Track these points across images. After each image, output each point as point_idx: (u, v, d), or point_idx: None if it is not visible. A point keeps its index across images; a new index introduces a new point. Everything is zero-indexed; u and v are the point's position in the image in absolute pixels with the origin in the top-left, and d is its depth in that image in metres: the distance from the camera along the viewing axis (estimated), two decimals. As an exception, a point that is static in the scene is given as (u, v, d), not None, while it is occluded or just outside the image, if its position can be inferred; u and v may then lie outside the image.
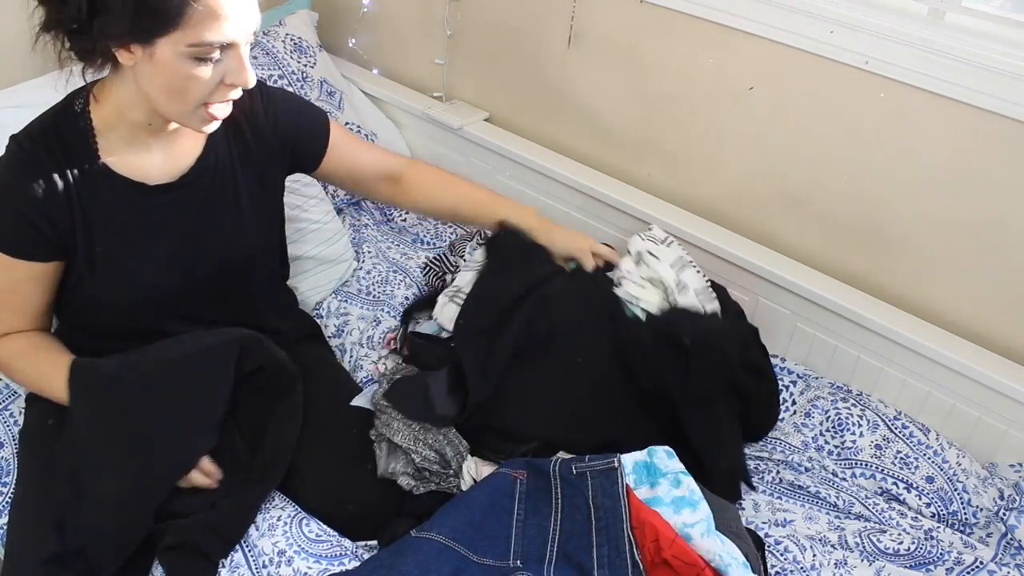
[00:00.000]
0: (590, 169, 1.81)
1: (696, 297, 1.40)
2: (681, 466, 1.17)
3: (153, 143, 1.13)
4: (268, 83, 1.34)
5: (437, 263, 1.69)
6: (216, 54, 0.99)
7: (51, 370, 1.14)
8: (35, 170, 1.07)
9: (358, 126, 1.96)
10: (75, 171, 1.09)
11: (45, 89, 1.56)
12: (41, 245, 1.10)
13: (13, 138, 1.10)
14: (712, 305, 1.42)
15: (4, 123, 1.49)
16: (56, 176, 1.08)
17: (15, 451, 1.29)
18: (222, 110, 1.06)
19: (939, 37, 1.33)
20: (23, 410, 1.33)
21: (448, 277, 1.62)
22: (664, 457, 1.17)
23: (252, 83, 1.04)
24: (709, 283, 1.47)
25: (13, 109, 1.53)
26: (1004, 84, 1.28)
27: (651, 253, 1.42)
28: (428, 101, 2.03)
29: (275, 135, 1.24)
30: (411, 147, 2.08)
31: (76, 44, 1.01)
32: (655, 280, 1.40)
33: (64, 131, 1.09)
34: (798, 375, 1.57)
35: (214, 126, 1.09)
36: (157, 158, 1.14)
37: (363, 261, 1.73)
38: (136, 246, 1.14)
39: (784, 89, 1.52)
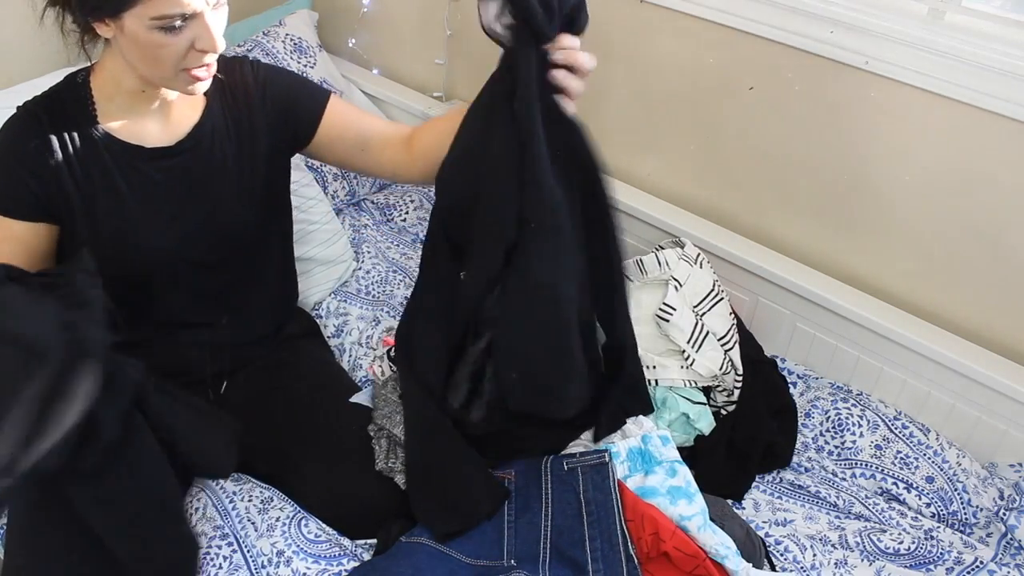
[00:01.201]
0: (590, 169, 1.81)
1: (715, 354, 1.36)
2: (676, 454, 1.17)
3: (149, 111, 1.16)
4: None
5: (437, 263, 1.69)
6: (180, 23, 1.01)
7: None
8: (31, 129, 1.10)
9: (358, 126, 1.96)
10: (74, 135, 1.12)
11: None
12: (28, 204, 1.11)
13: (19, 105, 1.14)
14: (734, 351, 1.41)
15: (4, 123, 1.49)
16: (53, 137, 1.10)
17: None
18: (203, 72, 1.08)
19: (939, 37, 1.33)
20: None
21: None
22: (659, 444, 1.17)
23: (220, 47, 1.05)
24: (733, 318, 1.46)
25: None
26: (1004, 84, 1.28)
27: (677, 280, 1.39)
28: (428, 101, 2.03)
29: (265, 102, 1.24)
30: (411, 147, 2.08)
31: (73, 18, 1.06)
32: (672, 348, 1.37)
33: (65, 98, 1.13)
34: (798, 375, 1.57)
35: (203, 86, 1.10)
36: (154, 125, 1.17)
37: (362, 261, 1.73)
38: (136, 210, 1.16)
39: (784, 89, 1.52)
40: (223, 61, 1.24)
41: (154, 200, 1.17)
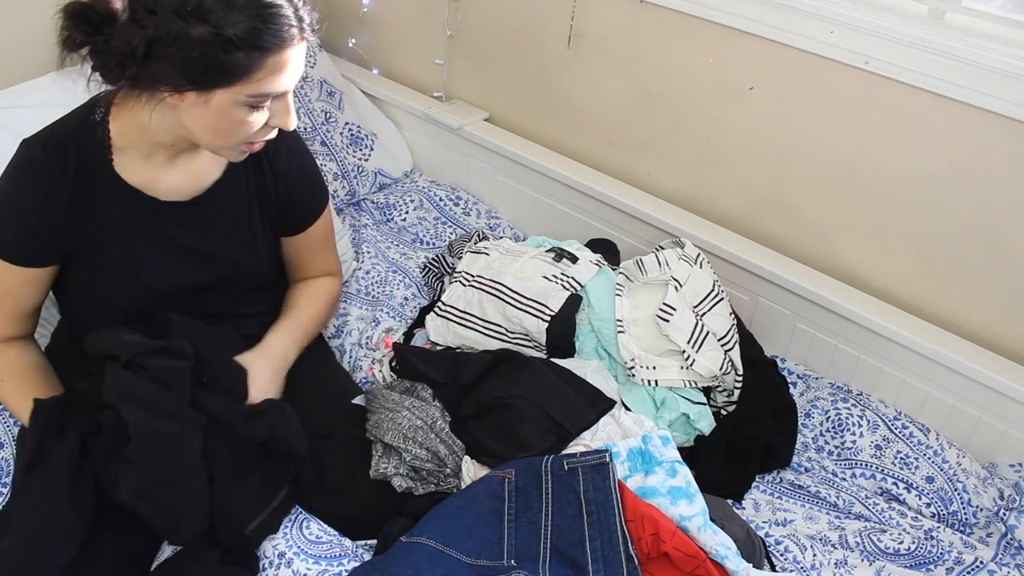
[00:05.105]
0: (590, 169, 1.81)
1: (715, 355, 1.36)
2: (677, 455, 1.17)
3: (172, 162, 1.14)
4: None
5: (436, 264, 1.69)
6: (269, 101, 1.03)
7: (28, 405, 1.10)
8: (44, 180, 1.08)
9: (358, 126, 1.96)
10: (88, 182, 1.10)
11: (45, 89, 1.57)
12: (42, 253, 1.11)
13: (25, 142, 1.10)
14: (734, 351, 1.41)
15: (4, 123, 1.49)
16: (66, 188, 1.08)
17: (15, 452, 1.29)
18: (259, 145, 1.10)
19: (939, 37, 1.33)
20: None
21: (446, 279, 1.62)
22: (659, 444, 1.17)
23: (294, 126, 1.08)
24: (734, 318, 1.46)
25: (13, 109, 1.53)
26: (1004, 84, 1.28)
27: (677, 280, 1.39)
28: (428, 101, 2.03)
29: (278, 190, 1.26)
30: (411, 147, 2.08)
31: (105, 66, 1.00)
32: (672, 349, 1.36)
33: (81, 143, 1.09)
34: (798, 375, 1.57)
35: (244, 156, 1.12)
36: (171, 176, 1.15)
37: (362, 261, 1.73)
38: (143, 254, 1.16)
39: (784, 89, 1.52)
40: None
41: (165, 248, 1.17)
